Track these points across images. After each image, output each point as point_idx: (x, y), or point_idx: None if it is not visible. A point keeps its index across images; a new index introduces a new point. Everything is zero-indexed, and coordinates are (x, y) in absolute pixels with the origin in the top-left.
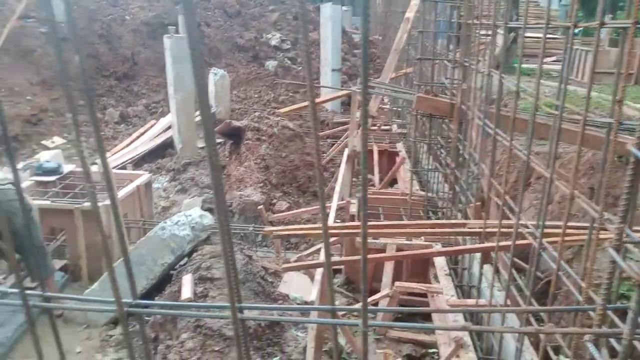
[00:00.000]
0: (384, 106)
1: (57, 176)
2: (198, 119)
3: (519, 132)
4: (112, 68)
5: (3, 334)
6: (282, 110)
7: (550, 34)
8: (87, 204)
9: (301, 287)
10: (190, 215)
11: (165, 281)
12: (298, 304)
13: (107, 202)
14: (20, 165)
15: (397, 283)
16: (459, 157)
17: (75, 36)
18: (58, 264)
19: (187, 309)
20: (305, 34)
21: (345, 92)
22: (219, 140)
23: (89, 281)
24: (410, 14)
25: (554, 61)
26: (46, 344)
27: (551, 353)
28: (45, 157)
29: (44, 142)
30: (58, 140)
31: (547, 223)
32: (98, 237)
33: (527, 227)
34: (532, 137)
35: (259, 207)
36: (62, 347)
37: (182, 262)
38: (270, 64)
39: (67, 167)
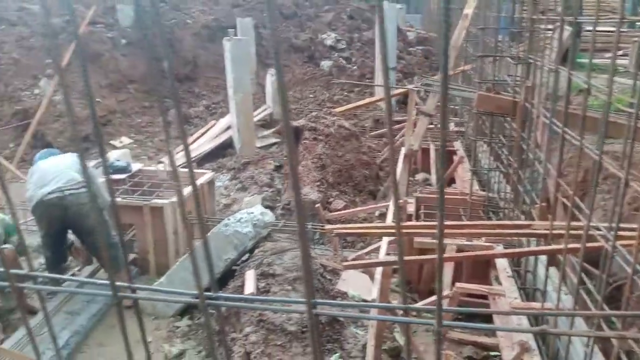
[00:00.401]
0: (439, 104)
1: (127, 174)
2: (256, 119)
3: (587, 130)
4: (174, 70)
5: (79, 322)
6: (337, 110)
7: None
8: (155, 201)
9: (359, 285)
10: (252, 213)
11: (228, 276)
12: (356, 301)
13: (174, 199)
14: (92, 164)
15: (457, 284)
16: (522, 157)
17: (165, 43)
18: (128, 258)
19: (262, 302)
20: (382, 37)
21: (401, 90)
22: (276, 140)
23: (157, 275)
24: (468, 10)
25: (620, 55)
26: (117, 332)
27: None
28: (114, 156)
29: (112, 142)
30: (125, 140)
31: (620, 225)
32: (165, 233)
33: (598, 229)
34: (604, 135)
35: (316, 206)
36: (145, 335)
37: (244, 258)
38: (325, 64)
39: (135, 166)
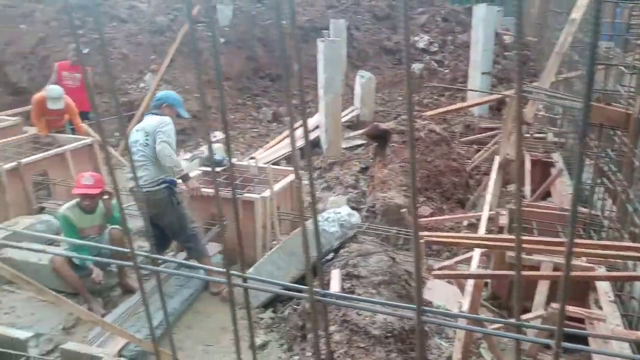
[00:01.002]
0: (537, 112)
1: (221, 168)
2: (343, 120)
3: None
4: (267, 70)
5: (172, 305)
6: (428, 114)
7: None
8: (247, 195)
9: (444, 295)
10: (339, 213)
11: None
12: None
13: (265, 194)
14: (187, 156)
15: (553, 304)
16: (633, 173)
17: (297, 49)
18: (217, 247)
19: (369, 303)
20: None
21: (497, 96)
22: (362, 142)
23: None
24: (576, 14)
25: None
26: (204, 317)
27: None
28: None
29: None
30: (219, 134)
31: None
32: (254, 226)
33: None
34: None
35: (402, 211)
36: (251, 319)
37: (328, 257)
38: (416, 67)
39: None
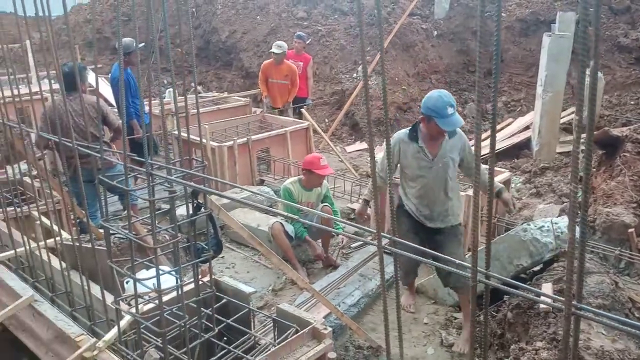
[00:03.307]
0: None
1: None
2: (562, 121)
3: None
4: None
5: (369, 286)
6: None
7: None
8: None
9: None
10: (557, 224)
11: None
12: None
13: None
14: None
15: None
16: None
17: None
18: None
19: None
20: None
21: None
22: (582, 148)
23: None
24: None
25: None
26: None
27: None
28: None
29: None
30: None
31: None
32: None
33: None
34: None
35: (629, 231)
36: (488, 317)
37: (536, 269)
38: None
39: None
